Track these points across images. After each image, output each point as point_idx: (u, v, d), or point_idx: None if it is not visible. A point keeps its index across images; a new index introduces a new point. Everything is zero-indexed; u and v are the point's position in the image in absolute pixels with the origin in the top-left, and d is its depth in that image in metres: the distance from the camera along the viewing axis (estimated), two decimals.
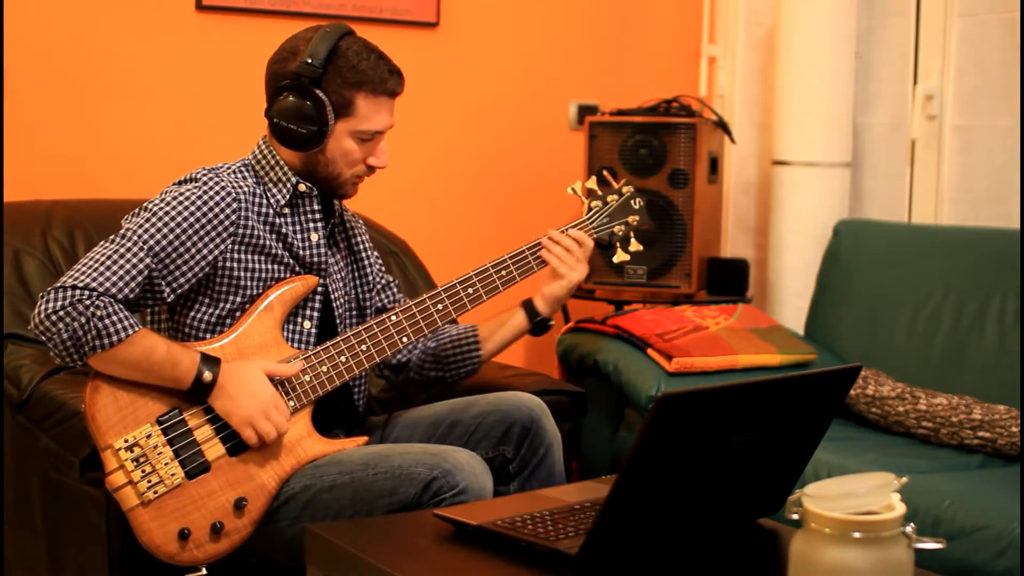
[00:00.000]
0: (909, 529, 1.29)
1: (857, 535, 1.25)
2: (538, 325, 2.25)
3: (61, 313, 1.84)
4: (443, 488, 1.86)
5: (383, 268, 2.31)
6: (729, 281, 3.39)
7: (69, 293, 1.85)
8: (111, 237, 1.94)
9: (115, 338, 1.86)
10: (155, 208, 1.96)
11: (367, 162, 2.08)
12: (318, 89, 2.00)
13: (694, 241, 3.26)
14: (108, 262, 1.89)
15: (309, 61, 1.99)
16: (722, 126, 3.44)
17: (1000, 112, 3.09)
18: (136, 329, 1.88)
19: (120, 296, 1.88)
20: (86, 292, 1.85)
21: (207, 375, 1.91)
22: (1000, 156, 3.10)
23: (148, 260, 1.92)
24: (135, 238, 1.92)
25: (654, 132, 3.26)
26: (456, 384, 2.30)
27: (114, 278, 1.88)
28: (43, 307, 1.85)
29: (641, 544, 1.54)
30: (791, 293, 3.39)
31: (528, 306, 2.24)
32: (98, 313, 1.85)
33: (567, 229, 2.21)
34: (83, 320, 1.84)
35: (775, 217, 3.44)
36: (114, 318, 1.86)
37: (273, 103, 2.02)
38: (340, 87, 2.01)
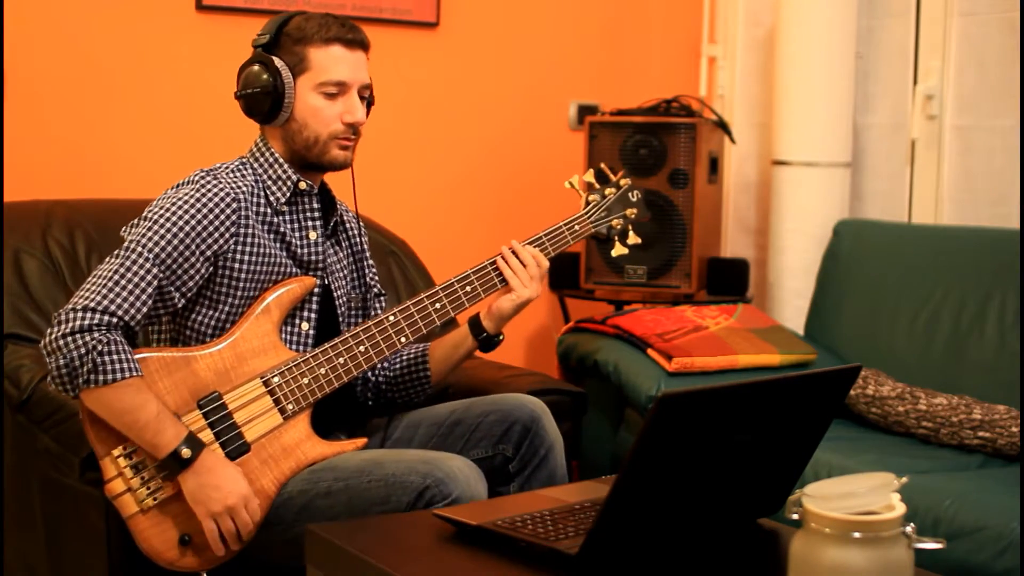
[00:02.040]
0: (909, 529, 1.29)
1: (857, 535, 1.25)
2: (485, 341, 2.17)
3: (69, 339, 1.84)
4: (436, 497, 1.85)
5: (376, 276, 2.30)
6: (729, 281, 3.39)
7: (80, 315, 1.85)
8: (115, 252, 1.93)
9: (109, 376, 1.85)
10: (154, 216, 1.96)
11: (342, 119, 2.05)
12: (270, 54, 2.03)
13: (694, 241, 3.26)
14: (117, 277, 1.89)
15: (262, 32, 2.05)
16: (722, 126, 3.44)
17: (1000, 112, 3.09)
18: (132, 374, 1.87)
19: (134, 311, 1.88)
20: (96, 315, 1.85)
21: (185, 451, 1.88)
22: (1000, 156, 3.10)
23: (156, 271, 1.91)
24: (140, 249, 1.92)
25: (654, 132, 3.26)
26: (409, 408, 2.23)
27: (124, 293, 1.88)
28: (55, 330, 1.85)
29: (641, 544, 1.54)
30: (791, 293, 3.39)
31: (474, 323, 2.18)
32: (98, 348, 1.84)
33: (528, 242, 2.16)
34: (83, 351, 1.83)
35: (775, 217, 3.44)
36: (115, 356, 1.85)
37: (237, 82, 2.06)
38: (291, 46, 2.03)
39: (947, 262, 2.94)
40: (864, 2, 3.36)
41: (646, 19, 3.76)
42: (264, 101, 2.02)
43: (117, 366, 1.85)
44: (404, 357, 2.25)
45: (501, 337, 2.18)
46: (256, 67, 2.02)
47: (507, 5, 3.51)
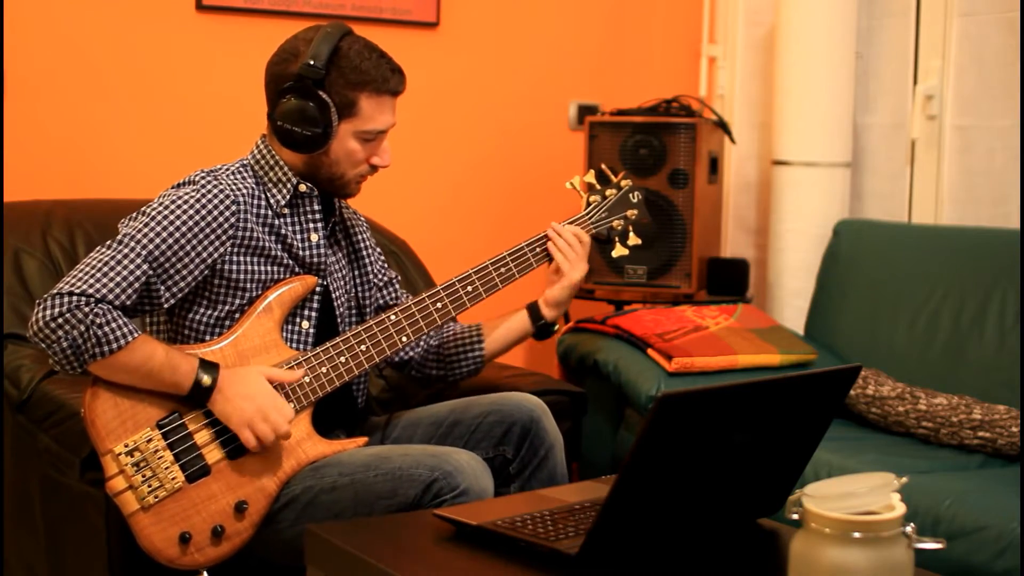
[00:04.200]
0: (909, 529, 1.29)
1: (857, 535, 1.25)
2: (542, 329, 2.24)
3: (60, 320, 1.83)
4: (443, 489, 1.86)
5: (385, 265, 2.30)
6: (729, 281, 3.39)
7: (67, 299, 1.84)
8: (108, 242, 1.93)
9: (115, 345, 1.85)
10: (153, 212, 1.95)
11: (370, 161, 2.07)
12: (321, 90, 1.99)
13: (694, 241, 3.26)
14: (105, 268, 1.88)
15: (311, 63, 1.98)
16: (722, 126, 3.44)
17: (1000, 112, 3.09)
18: (135, 335, 1.87)
19: (118, 303, 1.87)
20: (83, 299, 1.84)
21: (205, 379, 1.91)
22: (1000, 156, 3.10)
23: (146, 266, 1.91)
24: (132, 243, 1.91)
25: (654, 132, 3.26)
26: (457, 383, 2.30)
27: (111, 284, 1.87)
28: (41, 314, 1.84)
29: (641, 544, 1.54)
30: (791, 293, 3.40)
31: (533, 310, 2.24)
32: (97, 320, 1.84)
33: (565, 224, 2.21)
34: (82, 328, 1.83)
35: (775, 217, 3.44)
36: (113, 325, 1.85)
37: (276, 105, 2.02)
38: (343, 88, 2.00)
39: (947, 262, 2.94)
40: (864, 2, 3.36)
41: (646, 19, 3.76)
42: (306, 138, 2.00)
43: (119, 332, 1.85)
44: (453, 333, 2.27)
45: (556, 327, 2.25)
46: (304, 103, 1.98)
47: (507, 5, 3.51)
